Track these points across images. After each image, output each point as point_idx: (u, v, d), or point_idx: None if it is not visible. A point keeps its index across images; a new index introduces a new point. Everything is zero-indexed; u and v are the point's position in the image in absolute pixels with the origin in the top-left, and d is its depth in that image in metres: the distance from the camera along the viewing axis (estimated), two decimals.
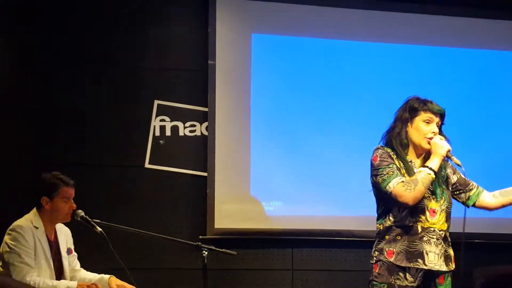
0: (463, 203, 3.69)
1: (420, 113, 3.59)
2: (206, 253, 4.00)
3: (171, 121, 5.50)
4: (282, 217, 5.51)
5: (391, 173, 3.48)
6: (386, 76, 5.73)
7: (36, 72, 5.36)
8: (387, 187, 3.46)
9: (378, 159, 3.55)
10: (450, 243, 3.57)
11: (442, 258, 3.51)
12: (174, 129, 5.49)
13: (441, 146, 3.49)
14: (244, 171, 5.49)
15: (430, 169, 3.46)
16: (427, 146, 3.54)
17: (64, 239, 4.09)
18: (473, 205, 3.70)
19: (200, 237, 5.18)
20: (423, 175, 3.44)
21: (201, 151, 5.46)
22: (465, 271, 3.64)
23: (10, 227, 3.88)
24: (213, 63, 5.49)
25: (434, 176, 3.46)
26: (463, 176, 3.70)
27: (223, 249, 4.23)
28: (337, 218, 5.57)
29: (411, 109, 3.61)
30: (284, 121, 5.58)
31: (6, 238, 3.85)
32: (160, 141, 5.46)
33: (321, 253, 5.54)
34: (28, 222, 3.91)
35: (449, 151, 3.51)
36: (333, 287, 5.55)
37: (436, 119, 3.58)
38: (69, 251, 4.10)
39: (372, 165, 3.57)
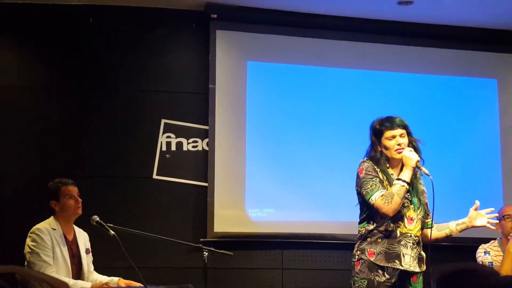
0: None
1: (383, 133, 3.59)
2: (206, 253, 4.02)
3: (176, 138, 5.51)
4: (273, 222, 5.51)
5: (374, 186, 3.49)
6: (364, 99, 5.75)
7: (62, 96, 5.45)
8: (370, 200, 3.48)
9: (364, 172, 3.55)
10: (422, 247, 3.58)
11: (416, 260, 3.52)
12: (179, 144, 5.50)
13: (410, 158, 3.49)
14: (240, 181, 5.49)
15: (403, 181, 3.46)
16: (398, 157, 3.55)
17: (83, 241, 4.09)
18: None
19: (201, 239, 5.17)
20: (398, 188, 3.45)
21: (202, 164, 5.47)
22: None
23: (31, 230, 3.91)
24: (213, 87, 5.52)
25: (407, 186, 3.46)
26: (427, 203, 3.68)
27: (221, 250, 4.25)
28: (321, 223, 5.56)
29: (375, 132, 3.63)
30: (275, 138, 5.60)
31: (28, 240, 3.88)
32: (166, 155, 5.46)
33: (307, 254, 5.53)
34: (46, 225, 3.93)
35: (418, 161, 3.50)
36: (318, 284, 5.54)
37: (398, 132, 3.57)
38: (87, 251, 4.10)
39: (358, 176, 3.58)
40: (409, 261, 3.49)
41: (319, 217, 5.54)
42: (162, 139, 5.47)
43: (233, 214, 5.44)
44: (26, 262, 3.87)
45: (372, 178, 3.52)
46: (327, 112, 5.73)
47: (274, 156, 5.57)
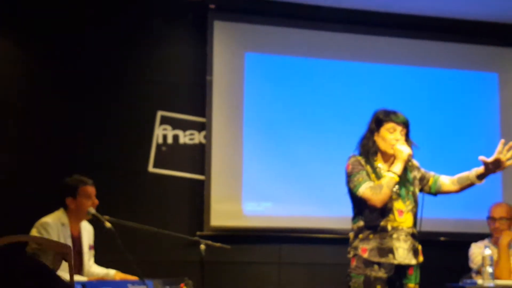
0: (430, 194, 3.73)
1: (384, 123, 3.62)
2: (204, 247, 4.07)
3: (172, 130, 5.55)
4: (271, 216, 5.56)
5: (361, 179, 3.55)
6: (362, 92, 5.77)
7: (54, 87, 5.42)
8: (358, 192, 3.54)
9: (350, 167, 3.62)
10: (417, 238, 3.64)
11: (411, 252, 3.58)
12: (175, 137, 5.53)
13: (401, 151, 3.53)
14: (237, 175, 5.53)
15: (394, 173, 3.52)
16: (391, 152, 3.60)
17: (87, 236, 4.12)
18: (436, 193, 3.70)
19: (198, 233, 5.23)
20: (388, 179, 3.50)
21: (199, 157, 5.50)
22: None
23: (38, 221, 3.88)
24: (210, 78, 5.54)
25: (397, 178, 3.52)
26: (422, 171, 3.73)
27: (218, 244, 4.30)
28: (320, 218, 5.61)
29: (377, 120, 3.67)
30: (274, 131, 5.63)
31: (33, 231, 3.87)
32: (163, 148, 5.51)
33: (304, 248, 5.58)
34: (56, 219, 3.93)
35: (409, 155, 3.54)
36: (315, 278, 5.60)
37: (399, 128, 3.61)
38: (90, 247, 4.14)
39: (346, 172, 3.65)
40: (403, 254, 3.54)
41: (317, 211, 5.59)
42: (158, 131, 5.50)
43: (230, 208, 5.48)
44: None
45: (359, 172, 3.58)
46: (326, 105, 5.77)
47: (272, 149, 5.60)
